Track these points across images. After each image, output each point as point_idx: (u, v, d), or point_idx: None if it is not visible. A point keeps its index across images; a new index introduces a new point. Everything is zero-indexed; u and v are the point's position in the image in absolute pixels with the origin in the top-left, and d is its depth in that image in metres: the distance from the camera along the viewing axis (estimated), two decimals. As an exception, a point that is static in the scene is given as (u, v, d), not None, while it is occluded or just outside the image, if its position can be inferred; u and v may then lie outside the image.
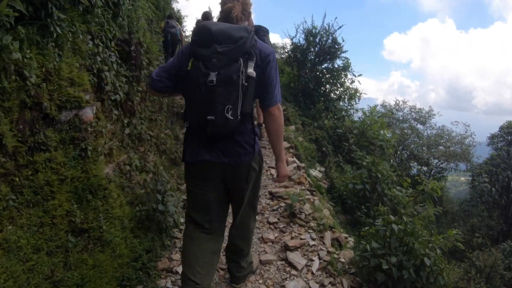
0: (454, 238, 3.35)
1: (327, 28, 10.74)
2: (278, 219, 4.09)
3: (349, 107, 10.74)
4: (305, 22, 11.13)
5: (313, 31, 10.86)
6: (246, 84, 1.85)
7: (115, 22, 3.55)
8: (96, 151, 2.71)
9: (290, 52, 11.29)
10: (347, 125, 9.06)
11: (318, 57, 10.76)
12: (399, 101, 23.05)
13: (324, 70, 10.79)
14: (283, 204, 4.35)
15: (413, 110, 22.73)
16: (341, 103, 10.98)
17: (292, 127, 8.29)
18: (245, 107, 1.91)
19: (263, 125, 3.85)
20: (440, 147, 20.75)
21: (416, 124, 21.77)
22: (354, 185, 6.13)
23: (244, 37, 1.87)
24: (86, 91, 2.71)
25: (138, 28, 4.30)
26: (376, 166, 6.23)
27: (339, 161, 8.30)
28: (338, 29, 10.63)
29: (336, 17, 10.84)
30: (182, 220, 3.62)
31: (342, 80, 10.90)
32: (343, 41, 10.70)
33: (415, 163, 19.98)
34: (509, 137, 18.64)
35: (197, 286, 2.08)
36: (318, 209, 4.32)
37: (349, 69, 10.80)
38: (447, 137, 21.26)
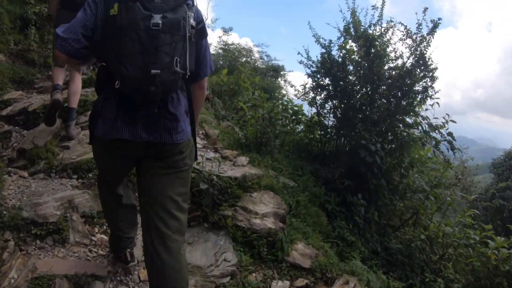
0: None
1: (406, 29, 4.86)
2: None
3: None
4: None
5: (350, 29, 4.99)
6: (190, 35, 1.56)
7: None
8: None
9: (314, 72, 5.18)
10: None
11: (378, 94, 4.89)
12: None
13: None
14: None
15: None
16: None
17: None
18: (191, 64, 1.60)
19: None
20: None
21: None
22: None
23: None
24: None
25: None
26: None
27: None
28: (432, 31, 4.78)
29: (426, 8, 4.88)
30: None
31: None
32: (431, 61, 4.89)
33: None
34: (512, 163, 15.59)
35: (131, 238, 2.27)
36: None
37: (438, 132, 5.02)
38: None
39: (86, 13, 1.59)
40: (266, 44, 21.91)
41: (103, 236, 2.81)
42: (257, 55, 17.82)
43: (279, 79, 17.39)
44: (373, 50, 4.73)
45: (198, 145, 3.95)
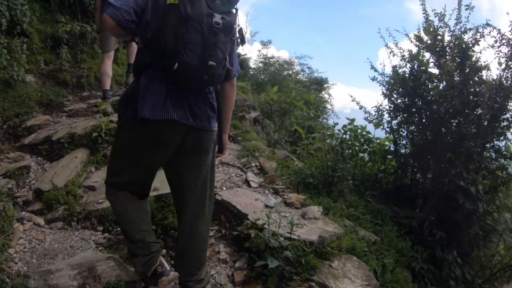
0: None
1: (501, 34, 3.81)
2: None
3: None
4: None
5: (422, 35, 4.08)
6: (235, 38, 1.68)
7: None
8: None
9: (389, 90, 4.23)
10: None
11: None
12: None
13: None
14: None
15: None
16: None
17: None
18: (236, 64, 1.79)
19: None
20: None
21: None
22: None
23: None
24: None
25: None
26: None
27: None
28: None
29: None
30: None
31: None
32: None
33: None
34: None
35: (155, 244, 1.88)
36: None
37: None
38: None
39: None
40: (309, 55, 20.77)
41: (131, 314, 2.08)
42: (298, 68, 16.99)
43: (323, 92, 16.45)
44: (468, 63, 3.75)
45: (253, 183, 3.19)
